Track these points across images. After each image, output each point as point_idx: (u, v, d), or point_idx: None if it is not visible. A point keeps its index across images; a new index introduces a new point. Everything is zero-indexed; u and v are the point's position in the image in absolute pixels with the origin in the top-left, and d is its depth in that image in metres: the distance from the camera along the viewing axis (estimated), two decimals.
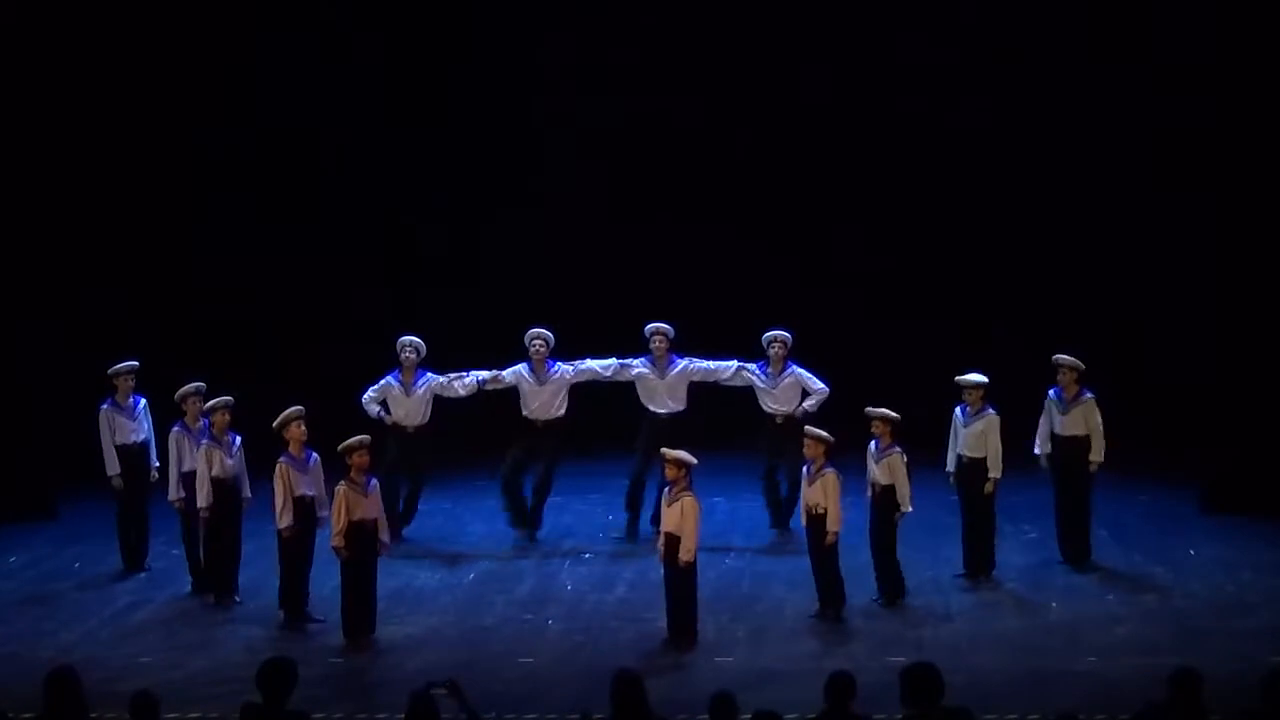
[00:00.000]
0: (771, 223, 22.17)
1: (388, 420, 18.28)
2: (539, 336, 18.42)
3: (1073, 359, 17.14)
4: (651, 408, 18.47)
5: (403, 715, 9.99)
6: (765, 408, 18.38)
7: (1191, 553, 17.45)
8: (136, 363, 17.67)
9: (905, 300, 21.95)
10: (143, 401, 17.67)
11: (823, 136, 21.98)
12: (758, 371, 18.40)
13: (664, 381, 18.42)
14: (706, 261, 21.82)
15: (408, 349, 18.37)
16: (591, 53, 22.16)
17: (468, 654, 14.98)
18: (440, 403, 18.49)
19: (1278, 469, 18.63)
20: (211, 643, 15.47)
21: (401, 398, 18.38)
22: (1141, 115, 21.11)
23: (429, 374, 18.44)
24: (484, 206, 22.52)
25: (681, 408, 18.46)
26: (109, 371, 17.60)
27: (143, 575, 17.41)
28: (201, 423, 16.76)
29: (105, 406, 17.53)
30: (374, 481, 15.75)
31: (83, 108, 21.22)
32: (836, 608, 15.74)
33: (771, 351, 18.33)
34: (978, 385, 16.68)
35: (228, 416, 16.52)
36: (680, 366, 18.46)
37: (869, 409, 16.26)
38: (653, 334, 18.44)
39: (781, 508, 18.36)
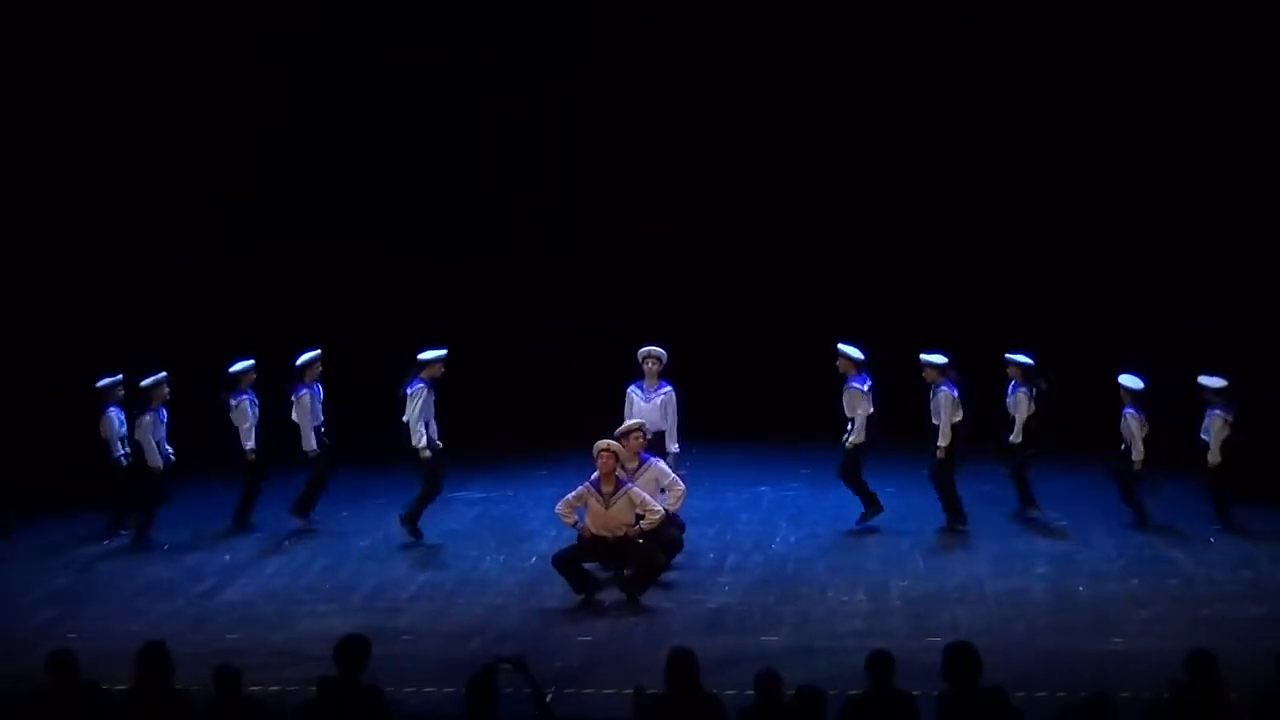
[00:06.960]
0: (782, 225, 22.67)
1: None
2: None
3: (656, 349, 17.82)
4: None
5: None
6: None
7: (1211, 540, 17.64)
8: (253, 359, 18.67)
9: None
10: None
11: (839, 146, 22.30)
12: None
13: (649, 405, 17.97)
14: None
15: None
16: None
17: (529, 633, 15.29)
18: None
19: None
20: (291, 620, 15.88)
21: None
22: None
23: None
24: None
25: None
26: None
27: (227, 558, 17.93)
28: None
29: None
30: None
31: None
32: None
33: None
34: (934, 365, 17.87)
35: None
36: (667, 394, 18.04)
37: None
38: (645, 358, 18.06)
39: None
